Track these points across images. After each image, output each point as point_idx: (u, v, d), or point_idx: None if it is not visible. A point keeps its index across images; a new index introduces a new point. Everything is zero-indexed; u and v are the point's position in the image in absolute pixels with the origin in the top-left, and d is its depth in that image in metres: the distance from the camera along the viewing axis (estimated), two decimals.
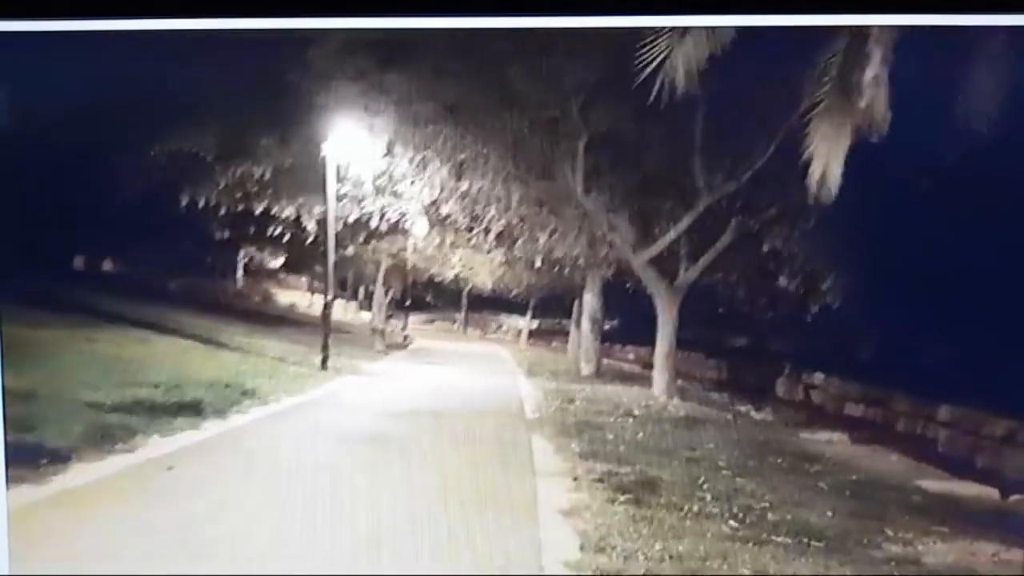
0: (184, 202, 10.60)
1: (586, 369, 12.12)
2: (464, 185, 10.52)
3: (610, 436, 8.94)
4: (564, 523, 6.61)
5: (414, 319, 13.94)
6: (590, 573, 5.85)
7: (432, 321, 14.41)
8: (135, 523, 6.13)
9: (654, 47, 7.18)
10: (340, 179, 10.63)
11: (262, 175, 10.61)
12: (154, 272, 13.52)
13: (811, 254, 9.81)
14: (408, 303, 13.45)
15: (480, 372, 12.41)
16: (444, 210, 10.81)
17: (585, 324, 12.22)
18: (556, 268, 11.47)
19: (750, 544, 6.43)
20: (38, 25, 5.75)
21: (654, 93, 7.36)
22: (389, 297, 13.20)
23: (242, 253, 13.39)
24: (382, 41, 8.75)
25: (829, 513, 7.17)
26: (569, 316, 13.08)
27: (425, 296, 13.82)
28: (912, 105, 7.01)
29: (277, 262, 13.83)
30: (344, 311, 14.11)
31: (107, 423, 7.80)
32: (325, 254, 10.92)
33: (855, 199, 7.77)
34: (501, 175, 10.36)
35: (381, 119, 9.85)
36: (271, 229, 11.42)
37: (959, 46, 6.46)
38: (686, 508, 6.99)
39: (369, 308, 13.44)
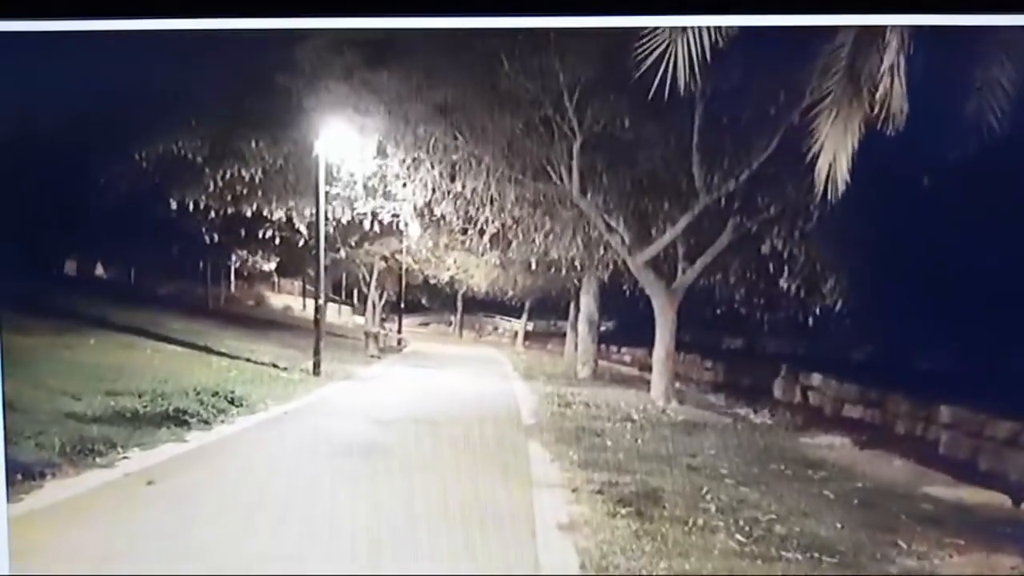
0: (174, 205, 10.12)
1: (583, 372, 11.72)
2: (457, 186, 10.07)
3: (609, 442, 8.45)
4: (563, 539, 6.07)
5: (409, 322, 13.57)
6: None
7: (427, 324, 14.04)
8: (110, 543, 5.62)
9: (653, 40, 6.65)
10: (331, 180, 10.23)
11: (252, 177, 10.10)
12: (143, 276, 13.10)
13: (813, 254, 9.35)
14: (402, 306, 13.05)
15: (475, 376, 11.94)
16: (437, 211, 10.36)
17: (582, 326, 11.85)
18: (552, 270, 11.03)
19: (759, 561, 5.91)
20: (33, 25, 5.51)
21: (653, 88, 6.81)
22: (383, 300, 12.78)
23: (234, 257, 12.93)
24: (372, 40, 8.35)
25: (838, 525, 6.64)
26: (565, 318, 12.76)
27: (420, 299, 13.48)
28: (929, 97, 6.49)
29: (270, 265, 13.40)
30: (339, 314, 13.71)
31: (86, 435, 7.25)
32: (317, 256, 10.42)
33: (861, 196, 7.26)
34: (495, 176, 9.90)
35: (372, 119, 9.44)
36: (262, 232, 10.96)
37: (980, 34, 5.96)
38: (690, 521, 6.44)
39: (363, 312, 12.99)
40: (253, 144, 9.96)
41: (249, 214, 10.56)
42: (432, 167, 9.93)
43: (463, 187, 10.02)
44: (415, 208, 10.39)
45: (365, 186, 10.32)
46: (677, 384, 10.36)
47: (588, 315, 11.67)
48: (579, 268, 11.00)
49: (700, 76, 6.70)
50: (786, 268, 9.56)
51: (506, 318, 13.86)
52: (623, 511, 6.57)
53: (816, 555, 6.02)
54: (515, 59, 8.56)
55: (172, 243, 11.82)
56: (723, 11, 5.85)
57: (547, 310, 13.24)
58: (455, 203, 10.23)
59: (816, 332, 9.94)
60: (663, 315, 10.01)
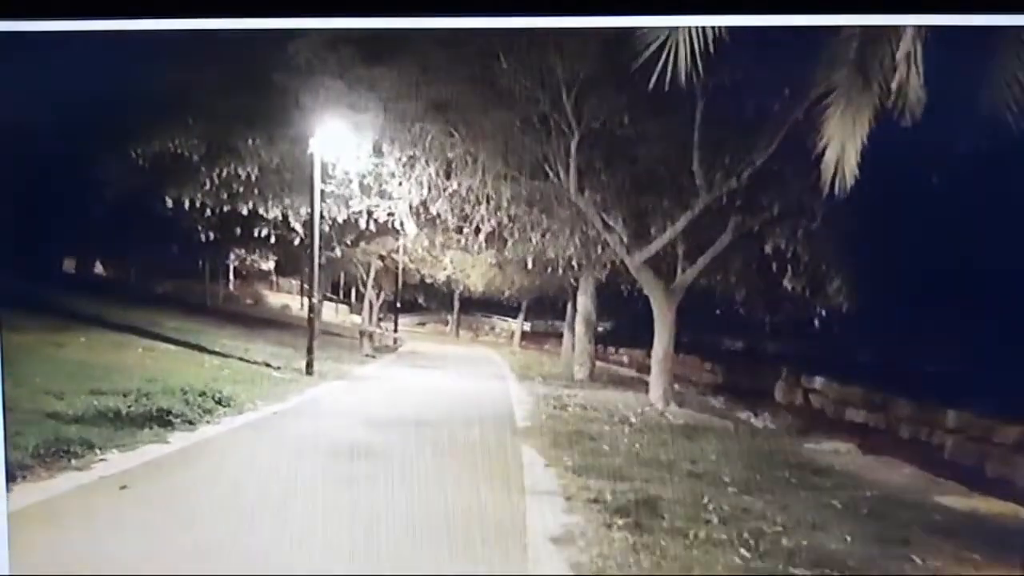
0: (169, 203, 9.72)
1: (580, 373, 11.24)
2: (453, 184, 9.64)
3: (605, 447, 7.90)
4: (556, 553, 5.48)
5: (407, 321, 13.12)
6: None
7: (424, 324, 13.57)
8: (74, 549, 5.09)
9: (653, 32, 6.12)
10: (327, 178, 9.75)
11: (248, 175, 9.63)
12: (141, 274, 12.66)
13: (818, 254, 8.82)
14: (399, 305, 12.56)
15: (470, 377, 11.41)
16: (433, 210, 9.88)
17: (579, 327, 11.37)
18: (549, 269, 10.57)
19: None
20: (32, 25, 5.28)
21: (652, 81, 6.25)
22: (381, 299, 12.28)
23: (232, 256, 12.46)
24: (368, 36, 7.87)
25: (848, 537, 6.05)
26: (563, 318, 12.34)
27: (417, 298, 13.05)
28: (948, 88, 5.92)
29: (269, 264, 12.94)
30: (336, 313, 13.24)
31: (63, 436, 6.67)
32: (311, 255, 9.90)
33: (870, 192, 6.68)
34: (491, 174, 9.47)
35: (368, 117, 8.98)
36: (258, 230, 10.46)
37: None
38: (691, 534, 5.84)
39: (360, 311, 12.48)
40: (249, 142, 9.49)
41: (245, 212, 10.09)
42: (427, 164, 9.51)
43: (459, 185, 9.60)
44: (410, 207, 9.93)
45: (360, 184, 9.85)
46: (676, 386, 9.91)
47: (585, 315, 11.22)
48: (576, 267, 10.57)
49: (702, 69, 6.13)
50: (790, 268, 9.08)
51: (503, 318, 13.48)
52: (620, 522, 5.98)
53: (826, 571, 5.45)
54: (512, 54, 8.16)
55: (169, 241, 11.41)
56: (723, 11, 5.46)
57: (544, 310, 12.90)
58: (451, 201, 9.81)
59: (819, 334, 9.47)
60: (662, 316, 9.58)
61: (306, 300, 11.61)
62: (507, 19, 5.35)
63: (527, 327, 13.23)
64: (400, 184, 9.71)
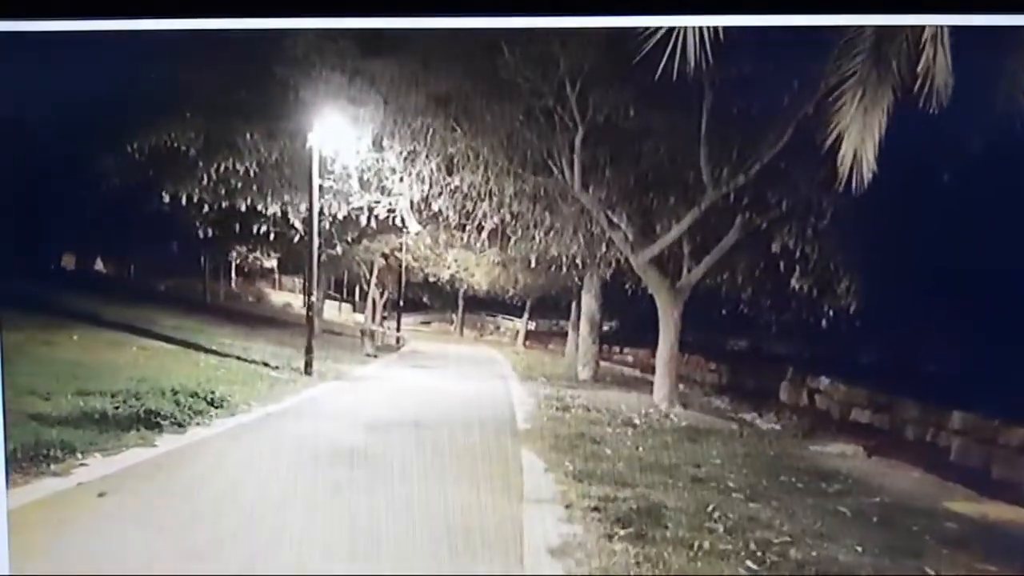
0: (166, 199, 9.33)
1: (583, 373, 10.91)
2: (455, 180, 9.29)
3: (608, 451, 7.53)
4: (553, 566, 5.11)
5: (411, 320, 12.77)
6: None
7: (429, 323, 13.21)
8: (47, 559, 4.77)
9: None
10: (326, 174, 9.40)
11: (247, 170, 9.25)
12: (140, 271, 12.34)
13: (827, 253, 8.43)
14: (402, 304, 12.21)
15: (472, 377, 11.05)
16: (435, 207, 9.53)
17: (583, 326, 11.04)
18: (552, 268, 10.21)
19: None
20: (32, 25, 5.18)
21: (659, 72, 5.85)
22: (384, 298, 11.92)
23: (233, 253, 12.11)
24: (367, 30, 7.44)
25: (858, 548, 5.67)
26: (567, 317, 11.98)
27: (422, 297, 12.68)
28: (969, 80, 5.50)
29: (271, 262, 12.59)
30: (339, 312, 12.89)
31: (44, 439, 6.30)
32: (310, 252, 9.55)
33: (883, 189, 6.28)
34: (493, 169, 9.13)
35: (368, 110, 8.65)
36: (257, 227, 10.09)
37: None
38: (695, 545, 5.45)
39: (364, 309, 12.13)
40: (248, 136, 9.13)
41: (244, 208, 9.69)
42: (428, 159, 9.15)
43: (461, 181, 9.26)
44: (412, 203, 9.57)
45: (360, 180, 9.49)
46: (681, 387, 9.60)
47: (590, 314, 10.89)
48: (580, 266, 10.21)
49: (709, 61, 5.73)
50: (797, 268, 8.69)
51: (508, 317, 13.15)
52: (621, 532, 5.59)
53: None
54: (515, 47, 7.82)
55: (168, 238, 11.07)
56: (723, 11, 5.21)
57: (548, 309, 12.56)
58: (452, 198, 9.46)
59: (825, 334, 9.09)
60: (667, 315, 9.27)
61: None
62: (507, 19, 5.18)
63: (531, 326, 12.89)
64: (401, 180, 9.36)
